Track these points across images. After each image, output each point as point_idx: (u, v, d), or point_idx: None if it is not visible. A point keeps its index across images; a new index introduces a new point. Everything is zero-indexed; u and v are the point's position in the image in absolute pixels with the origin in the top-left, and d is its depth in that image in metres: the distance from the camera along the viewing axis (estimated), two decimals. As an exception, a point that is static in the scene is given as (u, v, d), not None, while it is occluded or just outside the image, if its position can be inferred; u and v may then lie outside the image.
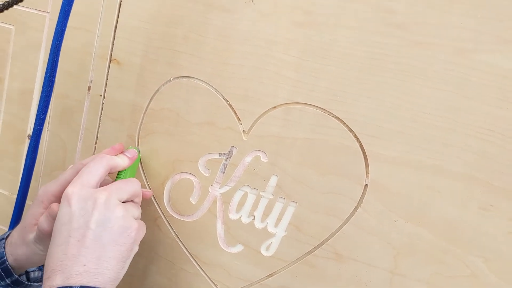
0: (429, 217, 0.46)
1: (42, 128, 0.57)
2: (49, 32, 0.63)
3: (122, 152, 0.56)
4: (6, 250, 0.54)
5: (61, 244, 0.46)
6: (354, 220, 0.48)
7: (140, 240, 0.50)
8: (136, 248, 0.50)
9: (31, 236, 0.52)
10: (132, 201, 0.52)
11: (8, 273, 0.53)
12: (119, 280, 0.47)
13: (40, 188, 0.53)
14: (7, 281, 0.53)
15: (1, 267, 0.53)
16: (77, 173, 0.51)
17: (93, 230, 0.46)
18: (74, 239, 0.46)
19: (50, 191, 0.52)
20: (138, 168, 0.58)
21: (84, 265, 0.45)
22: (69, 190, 0.48)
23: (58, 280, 0.44)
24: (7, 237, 0.55)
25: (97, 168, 0.50)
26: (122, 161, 0.53)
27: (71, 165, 0.54)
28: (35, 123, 0.57)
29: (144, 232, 0.50)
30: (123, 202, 0.50)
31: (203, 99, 0.55)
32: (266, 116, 0.52)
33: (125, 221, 0.48)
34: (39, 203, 0.53)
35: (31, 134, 0.66)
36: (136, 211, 0.51)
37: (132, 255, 0.49)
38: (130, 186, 0.51)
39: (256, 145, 0.53)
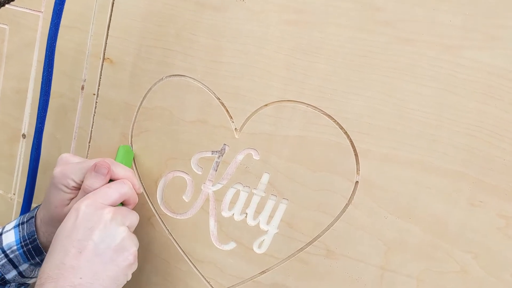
0: (419, 213, 0.46)
1: (43, 126, 0.58)
2: (43, 31, 0.63)
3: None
4: (38, 228, 0.54)
5: (61, 252, 0.46)
6: (345, 217, 0.49)
7: (133, 271, 0.50)
8: (129, 277, 0.50)
9: (61, 215, 0.52)
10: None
11: (38, 251, 0.54)
12: None
13: (57, 171, 0.53)
14: (37, 259, 0.54)
15: (32, 245, 0.54)
16: (97, 172, 0.51)
17: (96, 244, 0.47)
18: (76, 250, 0.46)
19: (70, 177, 0.52)
20: (132, 166, 0.59)
21: (81, 278, 0.45)
22: (82, 204, 0.49)
23: None
24: (36, 214, 0.55)
25: (115, 193, 0.51)
26: (134, 196, 0.54)
27: (98, 159, 0.53)
28: (36, 122, 0.58)
29: (136, 266, 0.51)
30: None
31: (196, 98, 0.55)
32: (257, 114, 0.52)
33: (127, 243, 0.49)
34: (61, 186, 0.52)
35: (25, 133, 0.66)
36: (135, 220, 0.52)
37: (124, 283, 0.49)
38: (135, 217, 0.52)
39: (248, 143, 0.53)
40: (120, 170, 0.53)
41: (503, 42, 0.42)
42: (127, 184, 0.52)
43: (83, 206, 0.48)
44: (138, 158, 0.59)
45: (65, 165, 0.54)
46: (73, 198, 0.53)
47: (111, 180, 0.52)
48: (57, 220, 0.51)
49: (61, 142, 0.64)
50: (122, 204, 0.53)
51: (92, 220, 0.48)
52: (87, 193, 0.50)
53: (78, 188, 0.53)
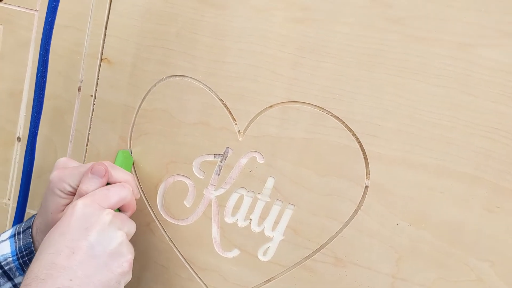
0: (432, 219, 0.44)
1: (37, 130, 0.57)
2: (38, 31, 0.61)
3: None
4: (34, 238, 0.52)
5: (53, 252, 0.44)
6: (354, 223, 0.47)
7: (126, 282, 0.47)
8: (121, 287, 0.47)
9: (57, 220, 0.49)
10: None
11: None
12: None
13: (54, 175, 0.51)
14: None
15: (29, 257, 0.51)
16: (93, 173, 0.49)
17: (91, 246, 0.44)
18: (69, 250, 0.43)
19: (66, 182, 0.50)
20: (131, 171, 0.57)
21: (70, 280, 0.42)
22: (80, 202, 0.46)
23: None
24: (32, 224, 0.53)
25: (115, 195, 0.49)
26: (133, 202, 0.52)
27: (94, 162, 0.51)
28: (30, 125, 0.56)
29: (130, 277, 0.48)
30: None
31: (197, 99, 0.53)
32: (262, 115, 0.50)
33: (124, 249, 0.47)
34: (57, 191, 0.50)
35: (20, 136, 0.64)
36: (132, 229, 0.50)
37: None
38: (133, 226, 0.50)
39: (252, 146, 0.51)
40: (119, 173, 0.51)
41: (521, 40, 0.41)
42: (127, 188, 0.50)
43: (81, 205, 0.46)
44: (137, 162, 0.57)
45: (62, 169, 0.52)
46: (68, 204, 0.51)
47: (108, 184, 0.51)
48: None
49: (57, 146, 0.62)
50: (119, 210, 0.51)
51: (89, 220, 0.45)
52: None
53: (74, 193, 0.50)
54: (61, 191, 0.50)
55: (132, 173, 0.57)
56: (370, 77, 0.46)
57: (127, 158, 0.56)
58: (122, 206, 0.50)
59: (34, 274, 0.42)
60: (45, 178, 0.62)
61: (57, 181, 0.51)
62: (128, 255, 0.47)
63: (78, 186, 0.50)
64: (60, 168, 0.52)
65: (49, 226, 0.50)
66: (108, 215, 0.47)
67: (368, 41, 0.45)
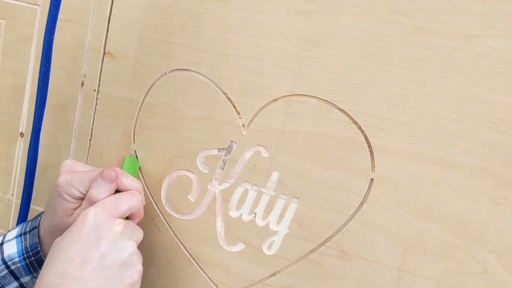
0: (438, 212, 0.44)
1: (41, 125, 0.56)
2: (41, 26, 0.61)
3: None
4: (42, 239, 0.52)
5: (64, 261, 0.44)
6: (359, 216, 0.47)
7: None
8: None
9: (66, 225, 0.49)
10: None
11: (42, 264, 0.51)
12: None
13: (61, 180, 0.51)
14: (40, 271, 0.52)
15: (35, 257, 0.51)
16: (104, 178, 0.49)
17: (103, 257, 0.44)
18: (80, 260, 0.44)
19: (75, 187, 0.50)
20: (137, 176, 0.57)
21: None
22: (91, 210, 0.46)
23: None
24: (39, 224, 0.53)
25: (125, 204, 0.49)
26: (141, 210, 0.52)
27: (104, 168, 0.51)
28: (33, 120, 0.56)
29: (139, 286, 0.48)
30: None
31: (201, 93, 0.53)
32: (266, 109, 0.50)
33: (134, 259, 0.47)
34: (65, 196, 0.50)
35: (23, 132, 0.64)
36: (141, 237, 0.50)
37: None
38: (141, 234, 0.50)
39: (257, 140, 0.51)
40: (129, 180, 0.51)
41: (528, 30, 0.40)
42: (136, 196, 0.50)
43: (92, 214, 0.46)
44: (141, 157, 0.57)
45: (70, 173, 0.51)
46: (77, 208, 0.51)
47: (117, 191, 0.50)
48: (62, 230, 0.48)
49: (61, 141, 0.62)
50: (127, 217, 0.51)
51: (100, 230, 0.45)
52: (92, 203, 0.48)
53: (83, 198, 0.50)
54: (70, 196, 0.50)
55: (139, 178, 0.57)
56: (376, 69, 0.45)
57: (134, 163, 0.56)
58: (130, 214, 0.50)
59: (45, 283, 0.42)
60: (49, 173, 0.62)
61: (65, 186, 0.50)
62: (138, 265, 0.47)
63: (87, 191, 0.50)
64: (68, 172, 0.52)
65: (57, 228, 0.50)
66: (120, 225, 0.47)
67: (373, 33, 0.45)
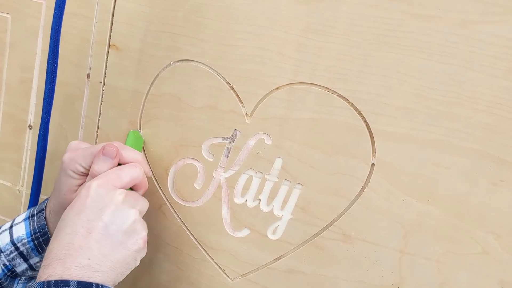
0: (437, 194, 0.45)
1: (49, 116, 0.57)
2: (46, 20, 0.62)
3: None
4: (48, 219, 0.53)
5: (70, 232, 0.45)
6: (361, 200, 0.48)
7: (141, 257, 0.49)
8: (137, 262, 0.49)
9: (70, 202, 0.50)
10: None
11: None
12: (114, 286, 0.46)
13: (66, 157, 0.52)
14: None
15: (43, 238, 0.53)
16: (105, 154, 0.50)
17: (106, 226, 0.46)
18: (85, 230, 0.45)
19: (78, 162, 0.51)
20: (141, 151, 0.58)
21: (89, 259, 0.44)
22: (94, 183, 0.48)
23: (58, 269, 0.42)
24: (46, 206, 0.54)
25: (127, 175, 0.50)
26: (145, 181, 0.53)
27: (105, 144, 0.52)
28: (42, 111, 0.57)
29: (145, 252, 0.50)
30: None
31: (205, 83, 0.54)
32: (269, 97, 0.51)
33: (137, 226, 0.48)
34: (69, 172, 0.52)
35: (32, 124, 0.65)
36: (145, 206, 0.52)
37: (132, 267, 0.48)
38: (145, 203, 0.51)
39: (260, 128, 0.52)
40: (130, 153, 0.52)
41: (524, 15, 0.41)
42: (138, 168, 0.51)
43: (94, 186, 0.47)
44: (147, 146, 0.58)
45: (74, 150, 0.53)
46: (81, 184, 0.52)
47: (120, 165, 0.52)
48: (66, 208, 0.50)
49: (68, 132, 0.63)
50: (131, 189, 0.52)
51: (103, 200, 0.47)
52: None
53: (87, 174, 0.52)
54: (74, 172, 0.51)
55: (142, 152, 0.58)
56: (375, 56, 0.46)
57: (138, 138, 0.57)
58: (134, 185, 0.52)
59: (53, 254, 0.44)
60: (57, 164, 0.63)
61: (69, 162, 0.52)
62: (142, 232, 0.48)
63: (90, 167, 0.51)
64: (72, 150, 0.53)
65: (62, 207, 0.51)
66: (121, 194, 0.48)
67: (373, 20, 0.46)
